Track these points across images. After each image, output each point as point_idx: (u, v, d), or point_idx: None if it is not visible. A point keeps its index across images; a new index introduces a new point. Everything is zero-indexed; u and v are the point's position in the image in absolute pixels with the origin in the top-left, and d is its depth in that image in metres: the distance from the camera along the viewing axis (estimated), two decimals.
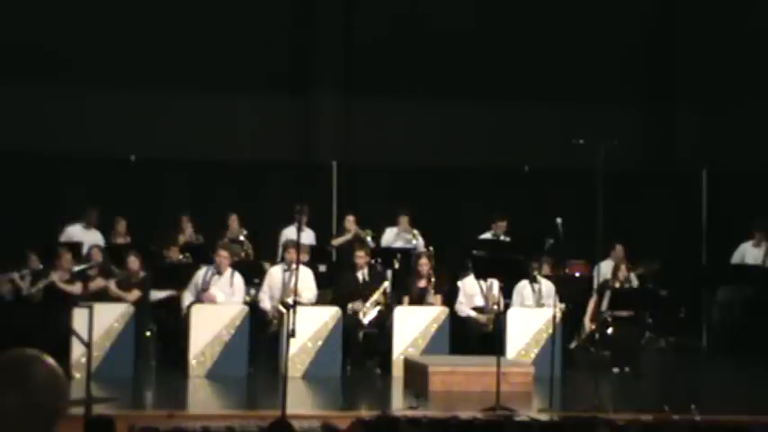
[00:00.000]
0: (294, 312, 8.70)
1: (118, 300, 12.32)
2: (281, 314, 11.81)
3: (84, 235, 14.42)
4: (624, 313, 13.06)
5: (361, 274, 12.94)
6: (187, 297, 12.39)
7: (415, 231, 14.77)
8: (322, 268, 13.65)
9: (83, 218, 14.64)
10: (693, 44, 17.23)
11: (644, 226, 16.22)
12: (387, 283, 12.93)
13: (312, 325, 11.91)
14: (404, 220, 14.91)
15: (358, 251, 13.10)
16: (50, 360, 2.68)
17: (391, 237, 14.94)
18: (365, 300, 12.63)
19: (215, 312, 12.05)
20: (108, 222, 14.69)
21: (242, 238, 14.70)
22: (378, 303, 12.67)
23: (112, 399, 9.75)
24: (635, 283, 14.04)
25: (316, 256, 13.78)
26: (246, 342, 11.96)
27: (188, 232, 14.74)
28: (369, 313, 12.65)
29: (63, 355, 10.57)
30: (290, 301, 9.93)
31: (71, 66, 16.14)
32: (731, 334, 14.88)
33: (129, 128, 16.18)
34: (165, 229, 14.74)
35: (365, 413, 8.28)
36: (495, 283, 12.46)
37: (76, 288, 12.32)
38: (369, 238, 14.40)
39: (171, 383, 11.56)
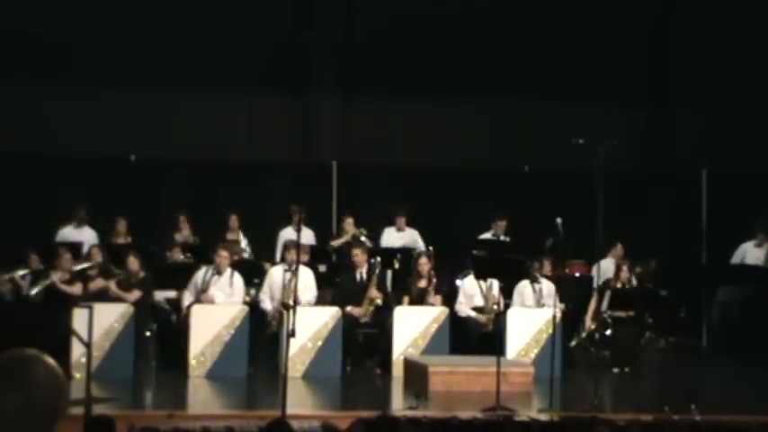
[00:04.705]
0: (294, 312, 8.71)
1: (118, 300, 12.32)
2: (281, 315, 11.82)
3: (77, 234, 14.41)
4: (624, 313, 13.06)
5: (359, 274, 12.96)
6: (187, 297, 12.40)
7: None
8: (322, 268, 13.65)
9: (73, 218, 14.62)
10: (693, 44, 17.24)
11: (644, 226, 16.22)
12: (375, 274, 12.86)
13: (312, 325, 11.91)
14: (401, 220, 15.01)
15: (355, 250, 13.15)
16: (50, 360, 2.68)
17: (391, 237, 14.99)
18: (360, 302, 12.65)
19: (215, 312, 12.05)
20: (108, 222, 14.68)
21: (243, 245, 14.65)
22: (372, 300, 12.67)
23: (112, 399, 9.75)
24: (635, 283, 14.04)
25: (316, 257, 13.78)
26: (246, 342, 11.96)
27: (185, 232, 14.74)
28: (366, 314, 12.68)
29: (63, 355, 10.56)
30: (290, 302, 9.93)
31: (71, 66, 16.15)
32: (731, 334, 14.88)
33: (129, 128, 16.18)
34: (166, 229, 14.75)
35: (365, 413, 8.28)
36: (495, 283, 12.47)
37: (76, 289, 12.30)
38: (363, 238, 14.39)
39: (171, 383, 11.55)
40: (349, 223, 14.90)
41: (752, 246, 15.08)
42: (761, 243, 15.05)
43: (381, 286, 12.96)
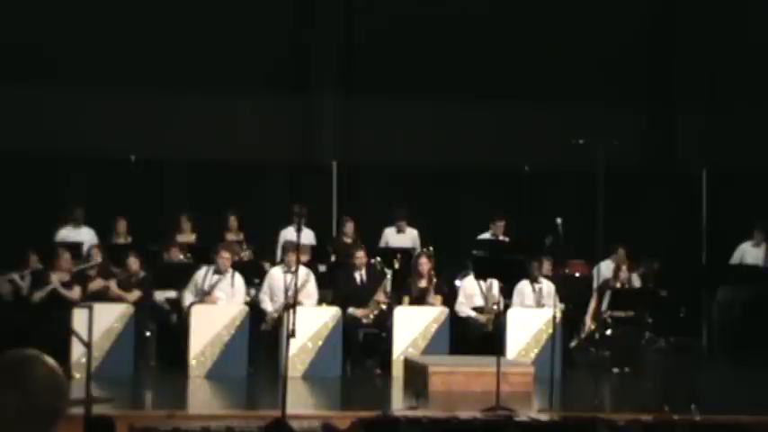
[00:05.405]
0: (294, 312, 8.71)
1: (118, 300, 12.32)
2: (281, 319, 11.81)
3: (77, 235, 14.39)
4: (624, 313, 13.06)
5: (359, 275, 12.97)
6: (187, 297, 12.39)
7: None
8: (322, 268, 13.65)
9: (70, 219, 14.61)
10: (693, 44, 17.23)
11: (644, 226, 16.21)
12: (387, 279, 12.92)
13: (312, 325, 11.92)
14: (401, 221, 15.02)
15: (357, 252, 13.14)
16: (50, 360, 2.68)
17: (392, 237, 15.01)
18: (365, 304, 12.64)
19: (215, 312, 12.05)
20: (108, 222, 14.67)
21: (244, 247, 14.62)
22: (378, 303, 12.68)
23: (110, 399, 9.75)
24: (635, 283, 14.05)
25: (315, 257, 13.79)
26: (246, 342, 11.96)
27: (186, 232, 14.74)
28: (371, 315, 12.68)
29: (63, 355, 10.57)
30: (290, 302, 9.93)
31: (71, 66, 16.13)
32: (731, 334, 14.87)
33: (129, 128, 16.17)
34: (165, 229, 14.75)
35: (365, 413, 8.28)
36: (495, 283, 12.46)
37: (76, 293, 12.21)
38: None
39: (171, 383, 11.56)
40: (349, 227, 14.90)
41: (750, 246, 15.08)
42: (758, 243, 15.05)
43: (385, 290, 12.97)
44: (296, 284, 10.64)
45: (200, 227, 14.84)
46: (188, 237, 14.67)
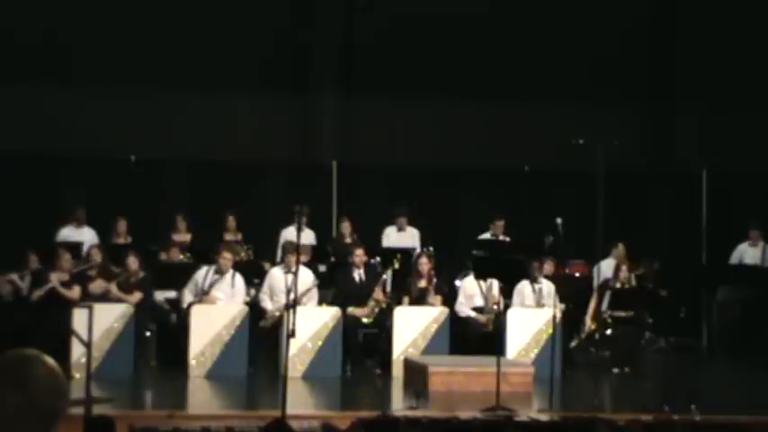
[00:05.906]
0: (294, 312, 8.71)
1: (118, 300, 12.32)
2: (281, 318, 11.81)
3: (77, 235, 14.38)
4: (624, 313, 13.06)
5: (358, 274, 12.96)
6: (187, 296, 12.39)
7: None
8: (322, 268, 13.65)
9: (72, 219, 14.60)
10: (693, 43, 17.23)
11: (644, 226, 16.21)
12: (384, 278, 12.90)
13: (312, 325, 11.92)
14: (402, 220, 15.01)
15: (356, 249, 13.14)
16: (50, 360, 2.68)
17: (392, 236, 15.01)
18: (364, 303, 12.63)
19: (215, 312, 12.05)
20: (108, 222, 14.67)
21: (244, 248, 14.62)
22: (377, 302, 12.67)
23: (110, 399, 9.75)
24: (633, 283, 14.04)
25: (316, 256, 13.79)
26: (246, 342, 11.96)
27: (182, 232, 14.75)
28: (370, 314, 12.67)
29: (63, 355, 10.56)
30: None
31: (71, 66, 16.14)
32: (731, 334, 14.88)
33: (129, 128, 16.17)
34: (165, 229, 14.75)
35: (365, 413, 8.28)
36: (495, 284, 12.47)
37: (75, 293, 12.21)
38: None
39: (171, 383, 11.56)
40: (346, 227, 14.91)
41: (747, 246, 15.09)
42: (755, 242, 15.06)
43: (384, 289, 12.97)
44: (296, 284, 10.65)
45: (198, 227, 14.84)
46: (183, 236, 14.67)
